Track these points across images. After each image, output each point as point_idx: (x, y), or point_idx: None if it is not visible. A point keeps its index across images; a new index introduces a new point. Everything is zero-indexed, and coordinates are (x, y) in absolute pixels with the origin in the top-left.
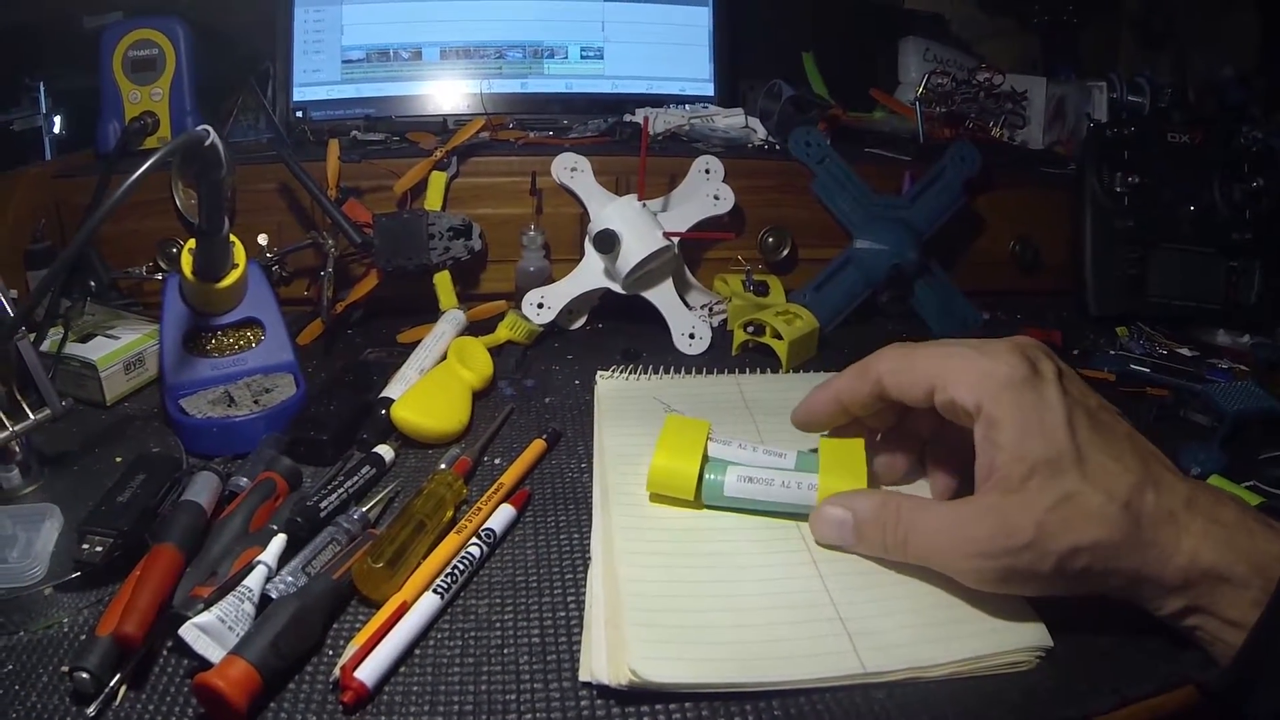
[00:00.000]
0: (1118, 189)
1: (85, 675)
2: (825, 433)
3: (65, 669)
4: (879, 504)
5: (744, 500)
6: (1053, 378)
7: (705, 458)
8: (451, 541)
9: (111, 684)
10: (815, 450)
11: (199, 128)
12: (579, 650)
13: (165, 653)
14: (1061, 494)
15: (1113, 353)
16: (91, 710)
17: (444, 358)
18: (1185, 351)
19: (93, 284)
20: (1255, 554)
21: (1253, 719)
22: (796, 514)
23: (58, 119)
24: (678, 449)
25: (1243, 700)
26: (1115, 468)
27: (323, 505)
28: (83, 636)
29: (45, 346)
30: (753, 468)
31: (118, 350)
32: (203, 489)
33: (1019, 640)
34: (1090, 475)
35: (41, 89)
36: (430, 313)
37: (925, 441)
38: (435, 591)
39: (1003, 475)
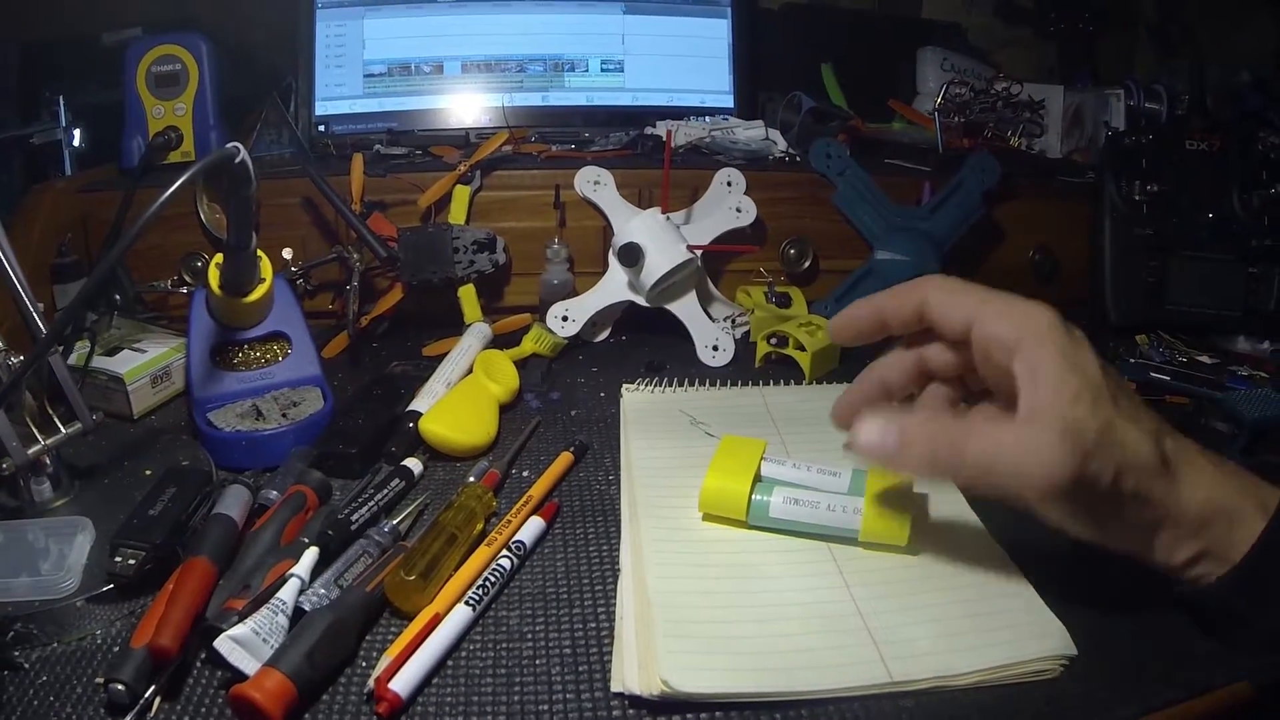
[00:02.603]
0: (1137, 197)
1: (120, 687)
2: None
3: (100, 680)
4: (926, 417)
5: (789, 522)
6: (1081, 335)
7: (758, 478)
8: (482, 554)
9: (146, 695)
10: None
11: (229, 145)
12: (610, 661)
13: (199, 665)
14: (1105, 420)
15: (1133, 361)
16: None
17: (470, 371)
18: (1205, 359)
19: (118, 297)
20: (1259, 493)
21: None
22: (842, 537)
23: (77, 133)
24: (730, 469)
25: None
26: (1141, 413)
27: (353, 518)
28: (116, 648)
29: (71, 360)
30: (800, 489)
31: (145, 364)
32: (233, 502)
33: (1044, 649)
34: (1122, 411)
35: (61, 103)
36: (454, 325)
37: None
38: (467, 603)
39: (1052, 399)
